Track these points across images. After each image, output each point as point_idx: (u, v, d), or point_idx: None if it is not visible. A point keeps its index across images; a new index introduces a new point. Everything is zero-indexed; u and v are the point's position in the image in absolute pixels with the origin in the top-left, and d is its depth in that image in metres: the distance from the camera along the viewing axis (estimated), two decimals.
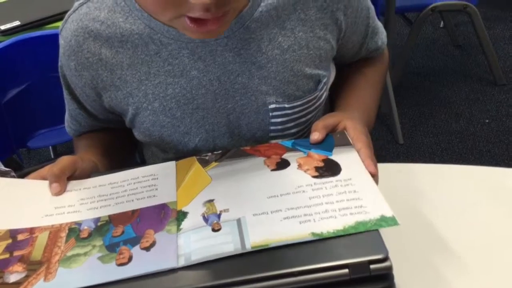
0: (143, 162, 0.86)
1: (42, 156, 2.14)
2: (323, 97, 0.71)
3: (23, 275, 0.50)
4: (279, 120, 0.69)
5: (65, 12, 1.38)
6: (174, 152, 0.71)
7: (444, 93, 2.18)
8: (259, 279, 0.46)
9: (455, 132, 1.97)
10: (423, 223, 0.65)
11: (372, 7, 0.73)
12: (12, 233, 0.55)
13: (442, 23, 2.60)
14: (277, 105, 0.67)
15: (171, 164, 0.64)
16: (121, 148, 0.79)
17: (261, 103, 0.67)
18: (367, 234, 0.48)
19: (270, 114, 0.68)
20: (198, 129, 0.68)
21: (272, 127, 0.69)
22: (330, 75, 0.71)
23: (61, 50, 0.69)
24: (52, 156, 2.08)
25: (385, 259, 0.45)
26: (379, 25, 0.77)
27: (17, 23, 1.30)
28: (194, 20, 0.54)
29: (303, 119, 0.70)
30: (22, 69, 1.26)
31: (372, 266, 0.45)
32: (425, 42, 2.53)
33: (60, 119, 1.41)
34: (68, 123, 0.80)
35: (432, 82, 2.25)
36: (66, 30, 0.67)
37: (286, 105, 0.68)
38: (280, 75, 0.66)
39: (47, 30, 1.31)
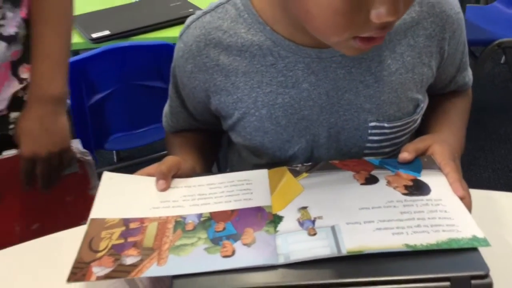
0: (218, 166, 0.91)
1: (105, 159, 2.24)
2: (418, 121, 0.75)
3: (138, 258, 0.55)
4: (376, 138, 0.72)
5: (152, 25, 1.48)
6: (269, 158, 0.76)
7: (504, 129, 2.16)
8: (360, 284, 0.50)
9: None
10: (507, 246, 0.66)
11: (466, 43, 0.77)
12: (125, 222, 0.61)
13: (503, 58, 2.58)
14: (378, 124, 0.71)
15: (264, 172, 0.69)
16: (210, 149, 0.85)
17: (362, 120, 0.71)
18: (466, 251, 0.51)
19: (369, 131, 0.72)
20: (299, 139, 0.73)
21: (368, 144, 0.73)
22: (425, 101, 0.75)
23: (178, 53, 0.75)
24: (115, 160, 2.18)
25: (486, 275, 0.48)
26: (468, 62, 0.80)
27: (107, 32, 1.40)
28: (363, 39, 0.58)
29: (398, 140, 0.74)
30: (108, 76, 1.36)
31: (473, 282, 0.48)
32: (485, 77, 2.52)
33: (137, 125, 1.51)
34: (167, 119, 0.86)
35: (491, 117, 2.24)
36: (188, 35, 0.73)
37: (386, 125, 0.71)
38: (385, 95, 0.70)
39: (134, 41, 1.41)
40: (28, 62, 0.90)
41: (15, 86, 0.89)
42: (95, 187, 0.97)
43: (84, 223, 0.94)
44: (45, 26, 0.87)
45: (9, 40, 0.85)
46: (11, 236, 0.92)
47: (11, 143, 0.90)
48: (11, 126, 0.91)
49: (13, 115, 0.90)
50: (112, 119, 1.43)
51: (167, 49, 1.36)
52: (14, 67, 0.88)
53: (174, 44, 1.37)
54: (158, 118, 1.53)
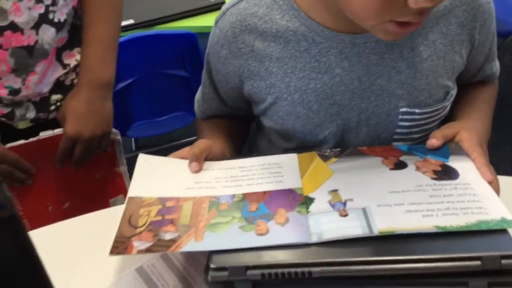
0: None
1: (124, 147, 2.26)
2: (448, 108, 0.76)
3: (176, 234, 0.57)
4: (406, 124, 0.74)
5: (175, 14, 1.50)
6: (300, 142, 0.77)
7: None
8: (393, 261, 0.52)
9: None
10: None
11: (496, 34, 0.78)
12: (162, 201, 0.63)
13: None
14: (408, 110, 0.73)
15: (293, 156, 0.71)
16: (238, 136, 0.87)
17: (393, 106, 0.72)
18: (496, 232, 0.53)
19: (400, 117, 0.73)
20: (330, 123, 0.74)
21: (398, 130, 0.74)
22: (455, 89, 0.76)
23: (214, 39, 0.77)
24: (133, 148, 2.21)
25: None
26: (496, 53, 0.81)
27: (131, 21, 1.43)
28: (400, 23, 0.59)
29: (428, 126, 0.75)
30: (132, 64, 1.39)
31: (503, 261, 0.50)
32: (503, 69, 2.50)
33: (159, 113, 1.53)
34: (199, 105, 0.88)
35: (509, 109, 2.23)
36: (224, 22, 0.75)
37: (417, 111, 0.73)
38: (416, 81, 0.72)
39: (157, 30, 1.43)
40: (71, 49, 0.93)
41: (59, 71, 0.93)
42: (122, 164, 1.01)
43: (114, 201, 0.97)
44: (97, 13, 0.91)
45: (58, 26, 0.88)
46: (44, 216, 0.95)
47: (48, 126, 0.93)
48: (52, 108, 0.94)
49: (54, 97, 0.94)
50: (135, 106, 1.45)
51: (190, 38, 1.38)
52: (59, 53, 0.92)
53: (197, 33, 1.39)
54: (180, 106, 1.57)
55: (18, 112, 0.91)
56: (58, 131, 0.92)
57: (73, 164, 0.94)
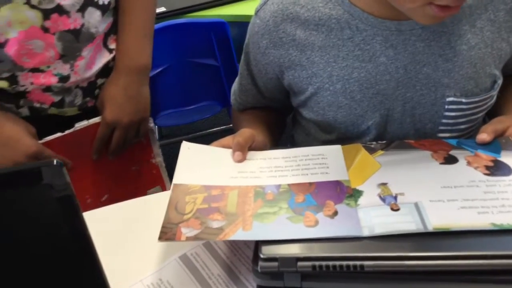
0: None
1: None
2: (495, 97, 0.74)
3: (223, 223, 0.56)
4: (453, 114, 0.72)
5: (207, 2, 1.49)
6: (341, 133, 0.76)
7: None
8: (449, 257, 0.50)
9: None
10: None
11: None
12: (207, 189, 0.62)
13: None
14: (455, 99, 0.71)
15: (337, 148, 0.69)
16: (276, 128, 0.86)
17: (439, 95, 0.71)
18: None
19: (446, 107, 0.71)
20: (373, 113, 0.73)
21: (444, 120, 0.72)
22: (501, 78, 0.74)
23: (254, 29, 0.76)
24: (157, 138, 2.22)
25: None
26: None
27: (163, 9, 1.42)
28: (439, 6, 0.59)
29: (474, 116, 0.73)
30: (163, 52, 1.38)
31: None
32: None
33: (187, 101, 1.53)
34: (236, 96, 0.87)
35: None
36: (265, 11, 0.74)
37: (464, 100, 0.71)
38: (464, 70, 0.70)
39: (188, 18, 1.42)
40: (115, 33, 0.93)
41: (106, 56, 0.93)
42: (158, 156, 1.00)
43: (151, 191, 0.96)
44: (134, 0, 0.91)
45: (103, 9, 0.88)
46: (83, 208, 0.94)
47: (91, 114, 0.93)
48: (97, 91, 0.94)
49: (100, 81, 0.94)
50: (164, 95, 1.45)
51: (221, 26, 1.37)
52: (105, 38, 0.92)
53: (229, 22, 1.38)
54: (208, 95, 1.56)
55: (68, 99, 0.91)
56: (93, 120, 0.92)
57: (110, 153, 0.93)
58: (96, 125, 0.91)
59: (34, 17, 0.81)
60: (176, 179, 0.64)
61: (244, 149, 0.68)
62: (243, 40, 0.81)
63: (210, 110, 1.57)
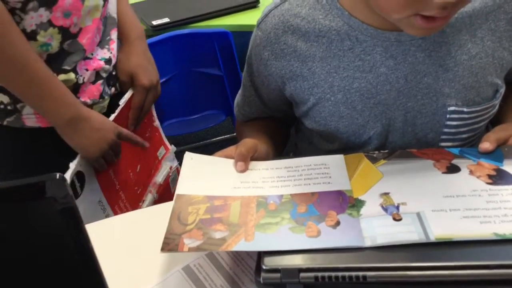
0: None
1: None
2: (497, 107, 0.74)
3: (226, 233, 0.57)
4: (454, 123, 0.72)
5: (210, 13, 1.50)
6: (343, 143, 0.76)
7: None
8: (451, 267, 0.50)
9: None
10: None
11: None
12: (209, 199, 0.62)
13: None
14: (456, 108, 0.71)
15: (340, 157, 0.70)
16: (280, 138, 0.86)
17: (440, 104, 0.71)
18: None
19: (447, 116, 0.71)
20: (375, 123, 0.73)
21: (445, 130, 0.73)
22: (504, 87, 0.74)
23: (256, 41, 0.76)
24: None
25: None
26: None
27: (166, 20, 1.43)
28: (425, 18, 0.59)
29: (476, 125, 0.73)
30: (167, 62, 1.39)
31: None
32: None
33: (192, 111, 1.53)
34: (239, 108, 0.88)
35: None
36: (266, 23, 0.74)
37: (465, 109, 0.71)
38: (465, 79, 0.70)
39: (192, 28, 1.43)
40: None
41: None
42: (156, 118, 1.07)
43: (159, 153, 1.02)
44: None
45: None
46: (130, 184, 0.99)
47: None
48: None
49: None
50: (169, 104, 1.45)
51: (225, 36, 1.37)
52: None
53: (232, 32, 1.39)
54: (212, 105, 1.56)
55: (107, 89, 0.95)
56: (127, 96, 0.96)
57: (141, 118, 0.98)
58: (128, 100, 0.96)
59: (101, 4, 0.88)
60: (179, 189, 0.64)
61: (246, 159, 0.68)
62: (246, 50, 0.82)
63: (214, 119, 1.58)
